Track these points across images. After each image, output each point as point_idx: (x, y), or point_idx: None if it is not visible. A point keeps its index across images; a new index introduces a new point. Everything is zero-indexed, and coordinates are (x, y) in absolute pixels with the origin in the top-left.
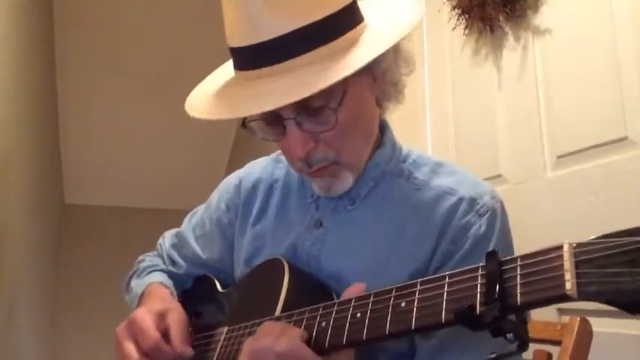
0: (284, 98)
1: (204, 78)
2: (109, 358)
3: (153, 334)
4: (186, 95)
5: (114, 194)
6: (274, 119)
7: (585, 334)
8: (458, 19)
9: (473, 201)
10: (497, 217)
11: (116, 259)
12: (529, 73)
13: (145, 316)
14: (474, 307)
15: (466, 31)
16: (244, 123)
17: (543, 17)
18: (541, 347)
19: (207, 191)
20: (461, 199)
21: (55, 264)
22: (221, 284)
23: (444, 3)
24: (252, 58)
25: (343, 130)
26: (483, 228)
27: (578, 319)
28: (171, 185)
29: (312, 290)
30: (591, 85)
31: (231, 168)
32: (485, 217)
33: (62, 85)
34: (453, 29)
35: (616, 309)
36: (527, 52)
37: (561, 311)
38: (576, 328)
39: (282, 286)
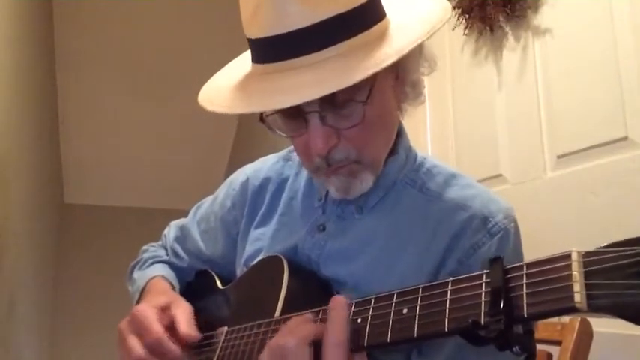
0: (316, 90)
1: (204, 79)
2: (109, 357)
3: (156, 328)
4: (187, 95)
5: (114, 194)
6: (295, 113)
7: (585, 334)
8: (458, 19)
9: (485, 219)
10: (509, 238)
11: (116, 259)
12: (529, 73)
13: (147, 311)
14: (478, 322)
15: (466, 31)
16: (261, 118)
17: (543, 17)
18: (541, 347)
19: (207, 191)
20: (473, 217)
21: (54, 264)
22: (221, 281)
23: None
24: (275, 50)
25: (368, 126)
26: (493, 249)
27: (579, 319)
28: (171, 185)
29: (313, 288)
30: (591, 86)
31: (231, 168)
32: (497, 237)
33: (62, 85)
34: (453, 29)
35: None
36: (527, 52)
37: None
38: (576, 328)
39: (281, 285)
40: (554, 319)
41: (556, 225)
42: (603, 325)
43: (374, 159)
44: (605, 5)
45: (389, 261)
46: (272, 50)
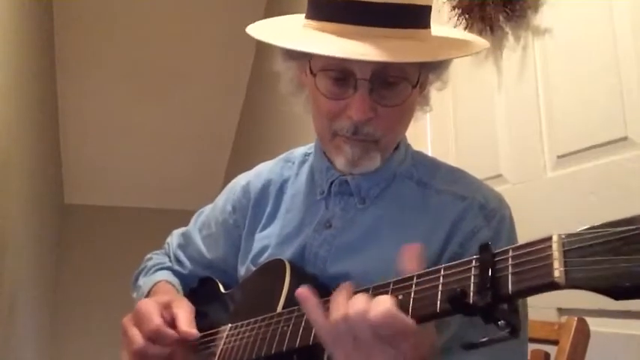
0: (415, 56)
1: (204, 79)
2: (109, 357)
3: (155, 318)
4: (187, 96)
5: (114, 194)
6: (346, 78)
7: (583, 334)
8: (458, 19)
9: (482, 206)
10: (505, 221)
11: (116, 259)
12: (529, 73)
13: (148, 304)
14: (466, 292)
15: (466, 31)
16: (312, 71)
17: (543, 17)
18: (538, 347)
19: (207, 191)
20: (470, 204)
21: (55, 264)
22: (224, 286)
23: (443, 3)
24: (362, 14)
25: (401, 112)
26: (491, 232)
27: (576, 318)
28: (171, 185)
29: (314, 290)
30: (591, 85)
31: (230, 168)
32: (494, 221)
33: (62, 85)
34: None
35: (610, 309)
36: (527, 52)
37: (561, 311)
38: (574, 328)
39: (282, 288)
40: (553, 319)
41: (556, 225)
42: (602, 325)
43: (389, 144)
44: (605, 5)
45: (395, 250)
46: (356, 13)
